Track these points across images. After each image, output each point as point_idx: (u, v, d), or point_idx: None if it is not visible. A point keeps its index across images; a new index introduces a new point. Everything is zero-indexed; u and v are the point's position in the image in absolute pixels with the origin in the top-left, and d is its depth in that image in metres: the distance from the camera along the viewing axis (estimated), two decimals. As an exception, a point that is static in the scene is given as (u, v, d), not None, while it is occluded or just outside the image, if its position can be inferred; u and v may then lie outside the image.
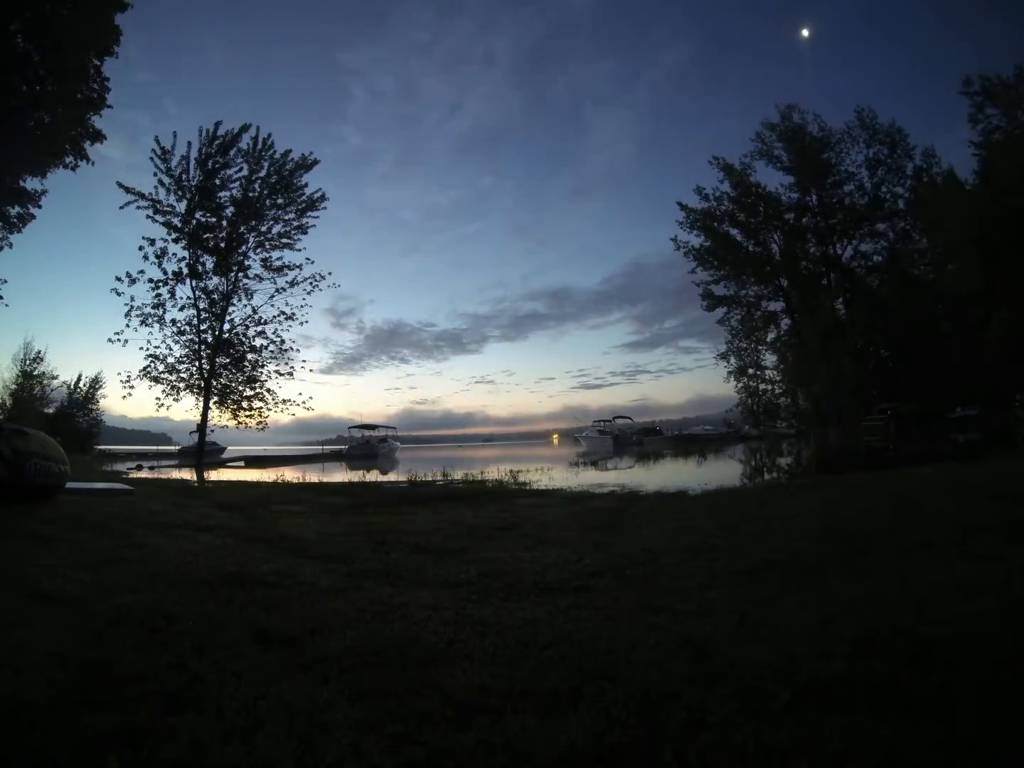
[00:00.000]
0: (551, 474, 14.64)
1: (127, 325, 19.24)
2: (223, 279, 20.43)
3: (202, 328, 20.26)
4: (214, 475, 18.07)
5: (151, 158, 19.03)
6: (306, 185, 20.86)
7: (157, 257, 19.35)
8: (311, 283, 20.98)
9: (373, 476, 16.44)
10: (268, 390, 20.98)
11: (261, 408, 20.95)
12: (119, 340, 19.19)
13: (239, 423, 20.93)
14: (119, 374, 20.23)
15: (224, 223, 20.23)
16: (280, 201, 20.73)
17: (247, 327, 20.83)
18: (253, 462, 27.21)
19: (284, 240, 20.92)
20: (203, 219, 19.96)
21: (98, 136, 13.15)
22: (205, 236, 19.96)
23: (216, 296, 20.37)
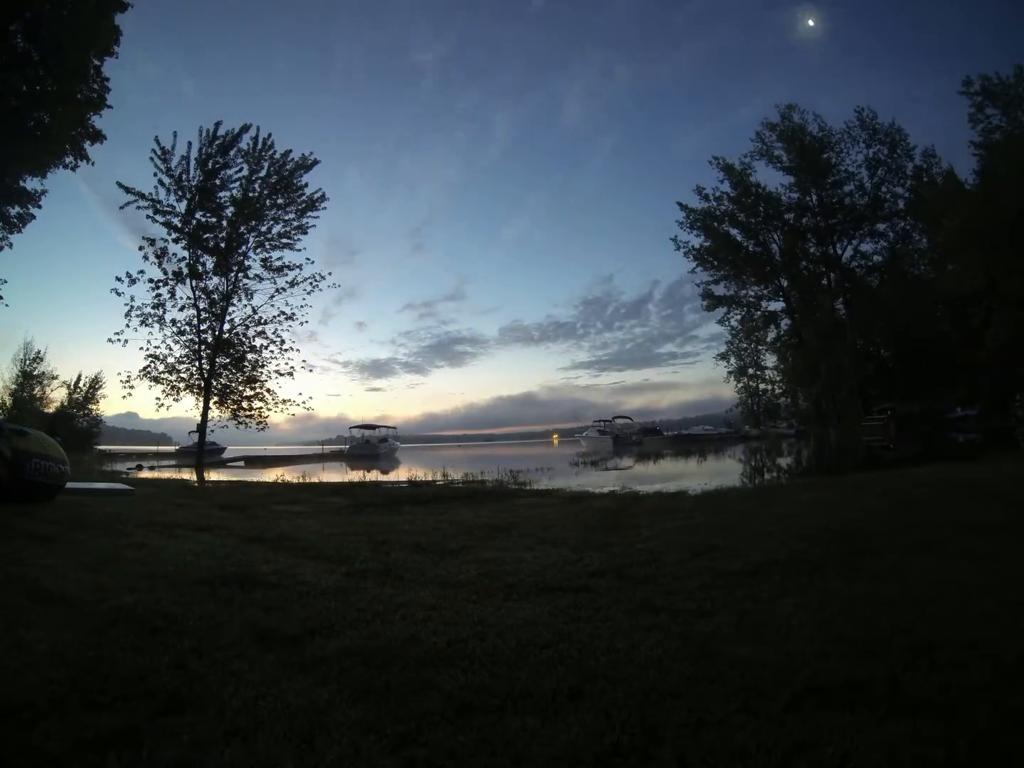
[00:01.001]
0: (551, 474, 14.63)
1: (127, 325, 19.26)
2: (223, 279, 20.45)
3: (202, 328, 20.28)
4: (214, 475, 18.08)
5: (151, 158, 19.05)
6: (306, 185, 20.88)
7: (157, 257, 19.37)
8: (311, 283, 21.01)
9: (373, 476, 16.44)
10: (268, 390, 21.01)
11: (261, 408, 20.98)
12: (119, 340, 19.22)
13: (239, 423, 20.94)
14: (119, 374, 20.25)
15: (224, 223, 20.25)
16: (280, 201, 20.74)
17: (247, 327, 20.85)
18: (253, 462, 27.22)
19: (284, 240, 20.94)
20: (203, 219, 19.97)
21: (98, 136, 13.16)
22: (205, 236, 19.97)
23: (216, 296, 20.39)
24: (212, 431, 21.38)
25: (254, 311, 20.84)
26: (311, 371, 22.06)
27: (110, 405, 20.15)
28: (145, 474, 17.02)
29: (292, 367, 20.91)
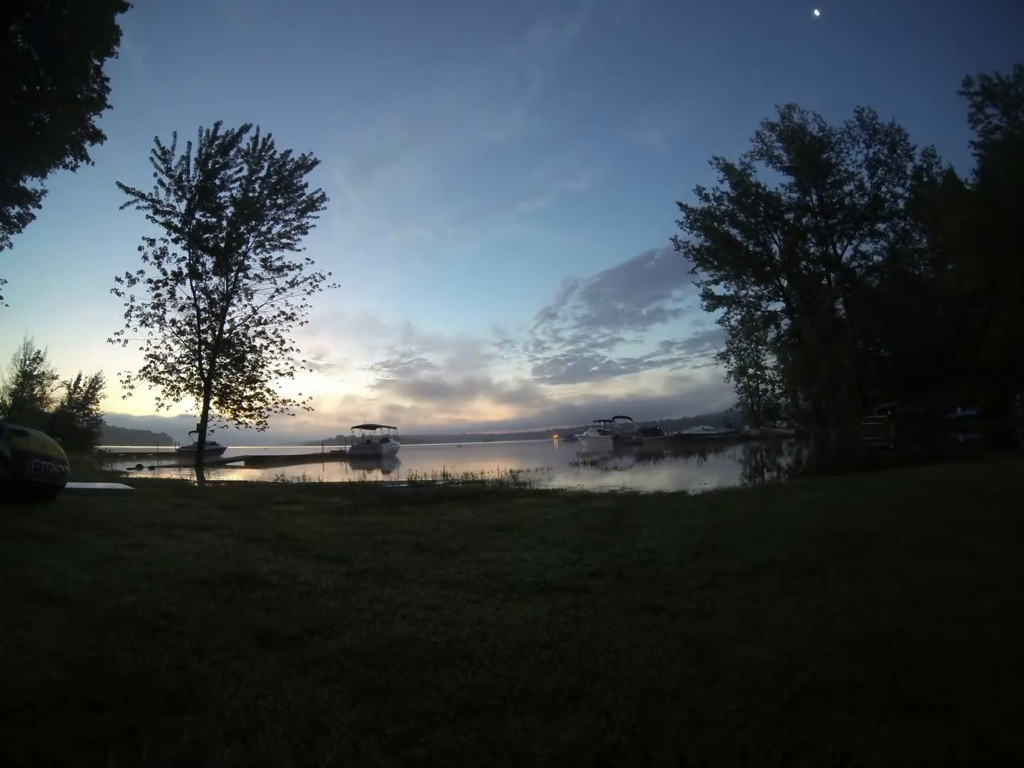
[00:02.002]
0: (551, 474, 14.63)
1: (127, 325, 19.28)
2: (223, 279, 20.46)
3: (202, 328, 20.28)
4: (214, 475, 18.08)
5: (151, 158, 19.06)
6: (306, 185, 20.89)
7: (157, 257, 19.37)
8: (311, 283, 21.03)
9: (373, 476, 16.44)
10: (268, 390, 21.01)
11: (261, 408, 20.98)
12: (119, 340, 19.24)
13: (239, 423, 20.97)
14: (119, 374, 20.26)
15: (224, 223, 20.25)
16: (280, 201, 20.75)
17: (247, 327, 20.85)
18: (253, 462, 27.22)
19: (284, 240, 20.95)
20: (203, 219, 19.97)
21: (98, 136, 13.15)
22: (205, 236, 19.97)
23: (216, 296, 20.40)
24: (212, 431, 21.41)
25: (254, 311, 20.87)
26: (311, 370, 22.03)
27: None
28: (145, 474, 17.02)
29: (292, 367, 20.95)
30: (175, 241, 19.69)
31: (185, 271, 19.79)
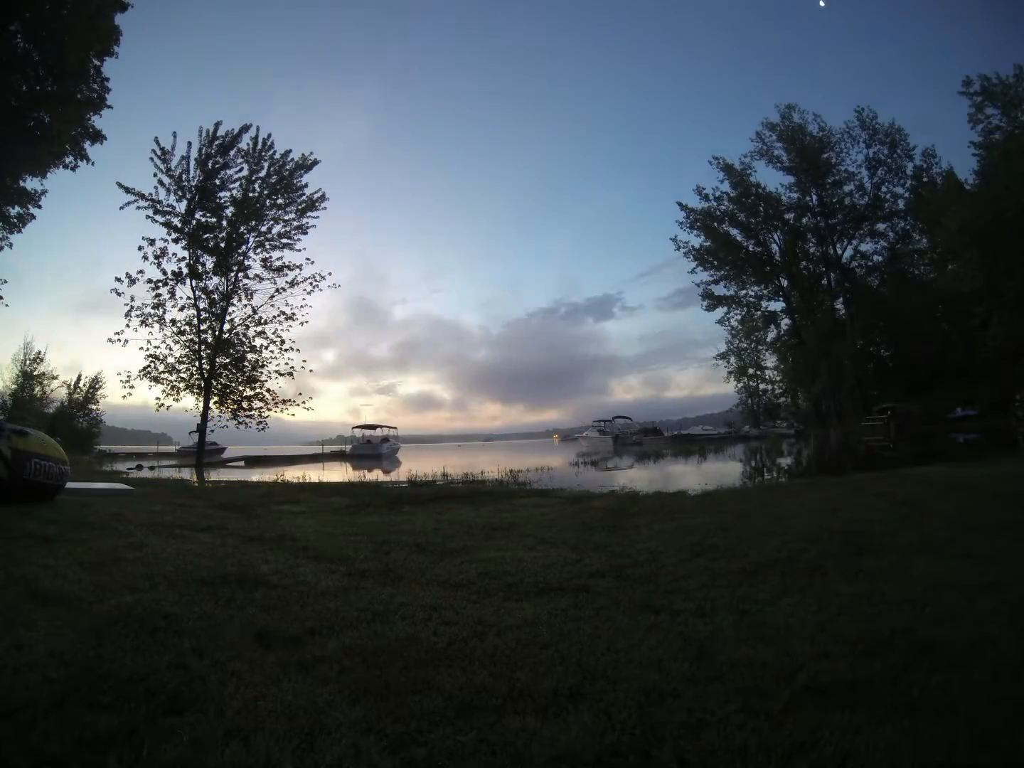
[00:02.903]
0: (551, 474, 14.63)
1: (127, 325, 19.29)
2: (223, 279, 20.48)
3: (202, 328, 20.29)
4: (214, 475, 18.07)
5: (151, 158, 19.06)
6: (306, 185, 20.91)
7: (157, 257, 19.38)
8: (311, 283, 21.05)
9: (373, 476, 16.43)
10: (268, 390, 21.02)
11: (261, 408, 20.99)
12: (119, 340, 19.24)
13: (239, 423, 20.98)
14: (119, 374, 20.27)
15: (224, 223, 20.26)
16: (280, 201, 20.76)
17: (247, 327, 20.87)
18: (253, 462, 27.20)
19: (284, 240, 20.97)
20: (203, 219, 19.98)
21: (98, 136, 13.15)
22: (205, 236, 19.98)
23: (216, 296, 20.41)
24: (212, 431, 21.41)
25: (254, 311, 20.89)
26: (311, 371, 22.00)
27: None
28: (145, 474, 17.01)
29: (292, 367, 20.95)
30: (175, 241, 19.73)
31: (185, 271, 19.83)
